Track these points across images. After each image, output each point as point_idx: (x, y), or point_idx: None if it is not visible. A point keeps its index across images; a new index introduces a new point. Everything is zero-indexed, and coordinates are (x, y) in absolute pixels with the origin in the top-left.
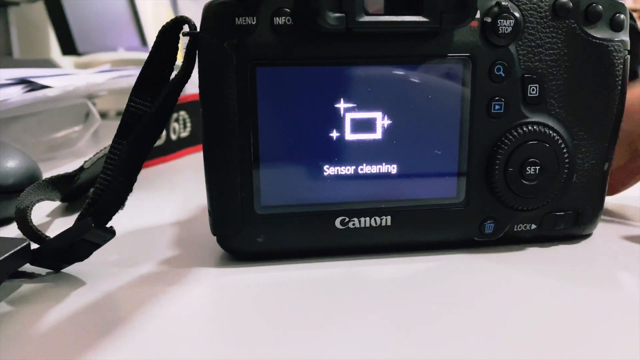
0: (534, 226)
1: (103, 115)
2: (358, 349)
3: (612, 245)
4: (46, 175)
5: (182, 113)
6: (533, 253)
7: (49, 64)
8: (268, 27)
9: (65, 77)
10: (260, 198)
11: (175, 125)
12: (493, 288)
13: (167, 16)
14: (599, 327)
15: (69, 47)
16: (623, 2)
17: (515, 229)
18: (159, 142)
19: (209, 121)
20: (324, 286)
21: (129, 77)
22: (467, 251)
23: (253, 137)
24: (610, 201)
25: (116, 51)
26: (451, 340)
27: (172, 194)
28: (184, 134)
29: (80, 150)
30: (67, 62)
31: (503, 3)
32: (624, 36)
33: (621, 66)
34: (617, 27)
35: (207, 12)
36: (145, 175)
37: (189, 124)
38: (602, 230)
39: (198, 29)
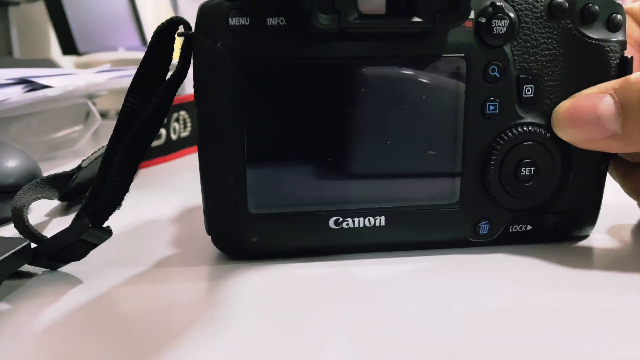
0: (529, 227)
1: (103, 115)
2: (351, 348)
3: (610, 247)
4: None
5: (182, 113)
6: (528, 254)
7: (49, 63)
8: (261, 28)
9: (65, 77)
10: (254, 198)
11: (175, 125)
12: (488, 289)
13: (167, 16)
14: (596, 329)
15: (69, 46)
16: (620, 2)
17: (510, 230)
18: (159, 142)
19: (203, 121)
20: (318, 285)
21: (129, 77)
22: (462, 252)
23: (247, 137)
24: (607, 202)
25: (116, 51)
26: (446, 340)
27: (171, 194)
28: (184, 134)
29: (81, 150)
30: (67, 61)
31: (498, 3)
32: (621, 36)
33: (617, 67)
34: (613, 27)
35: (201, 12)
36: (145, 175)
37: (189, 124)
38: (599, 231)
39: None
